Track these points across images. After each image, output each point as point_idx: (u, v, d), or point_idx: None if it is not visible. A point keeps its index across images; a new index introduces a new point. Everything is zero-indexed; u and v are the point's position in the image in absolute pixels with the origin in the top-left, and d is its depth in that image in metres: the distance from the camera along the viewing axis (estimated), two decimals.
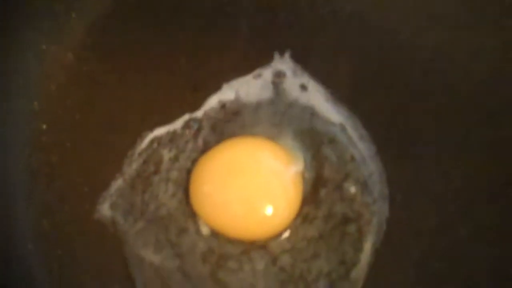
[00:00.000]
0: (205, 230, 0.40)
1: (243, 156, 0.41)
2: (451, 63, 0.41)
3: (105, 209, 0.41)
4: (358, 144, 0.42)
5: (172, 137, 0.43)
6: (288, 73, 0.43)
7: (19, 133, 0.43)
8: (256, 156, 0.41)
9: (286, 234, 0.40)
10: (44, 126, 0.43)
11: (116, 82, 0.43)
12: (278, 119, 0.42)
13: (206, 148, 0.42)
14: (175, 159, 0.42)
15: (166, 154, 0.42)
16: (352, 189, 0.41)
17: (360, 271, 0.39)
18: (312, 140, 0.42)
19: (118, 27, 0.44)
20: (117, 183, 0.42)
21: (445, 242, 0.39)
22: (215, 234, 0.40)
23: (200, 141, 0.42)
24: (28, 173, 0.42)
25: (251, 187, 0.40)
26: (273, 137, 0.42)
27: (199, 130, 0.43)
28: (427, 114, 0.41)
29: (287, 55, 0.43)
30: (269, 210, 0.39)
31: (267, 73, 0.43)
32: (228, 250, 0.40)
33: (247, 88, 0.43)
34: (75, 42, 0.44)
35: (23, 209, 0.41)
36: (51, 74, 0.44)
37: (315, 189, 0.41)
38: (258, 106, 0.43)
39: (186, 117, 0.43)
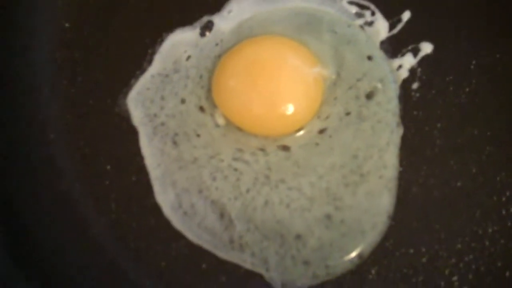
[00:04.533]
0: (221, 122, 0.41)
1: (268, 53, 0.42)
2: None
3: (126, 104, 0.42)
4: (376, 45, 0.42)
5: (192, 37, 0.43)
6: None
7: (43, 29, 0.44)
8: (280, 54, 0.42)
9: (302, 131, 0.41)
10: (67, 24, 0.44)
11: None
12: (298, 20, 0.43)
13: (224, 48, 0.43)
14: (194, 58, 0.43)
15: (185, 53, 0.43)
16: (367, 88, 0.41)
17: (371, 165, 0.40)
18: (331, 40, 0.42)
19: None
20: (138, 80, 0.43)
21: (460, 139, 0.40)
22: (232, 128, 0.41)
23: (219, 41, 0.43)
24: (52, 67, 0.44)
25: (273, 84, 0.41)
26: (296, 36, 0.42)
27: (219, 30, 0.43)
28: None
29: None
30: (289, 108, 0.40)
31: None
32: (244, 144, 0.41)
33: None
34: None
35: (47, 102, 0.43)
36: None
37: (331, 88, 0.41)
38: (281, 9, 0.43)
39: (205, 18, 0.43)
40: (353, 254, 0.39)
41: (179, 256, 0.40)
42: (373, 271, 0.39)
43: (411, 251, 0.39)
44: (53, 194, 0.40)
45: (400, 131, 0.41)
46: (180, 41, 0.44)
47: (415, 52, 0.42)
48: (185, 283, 0.39)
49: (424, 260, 0.39)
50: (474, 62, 0.42)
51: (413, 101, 0.41)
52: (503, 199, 0.39)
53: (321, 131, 0.41)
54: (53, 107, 0.43)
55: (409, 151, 0.41)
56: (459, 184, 0.40)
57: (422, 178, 0.40)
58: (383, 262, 0.39)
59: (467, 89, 0.41)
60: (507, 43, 0.42)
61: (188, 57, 0.43)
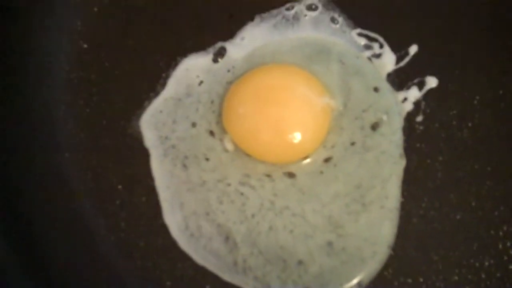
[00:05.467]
0: (229, 147, 0.43)
1: (277, 82, 0.43)
2: None
3: (139, 125, 0.44)
4: (383, 77, 0.43)
5: (205, 63, 0.45)
6: (320, 6, 0.45)
7: (61, 49, 0.45)
8: (289, 83, 0.43)
9: (308, 159, 0.42)
10: (85, 45, 0.46)
11: (154, 7, 0.46)
12: (309, 50, 0.44)
13: (236, 74, 0.44)
14: (207, 83, 0.44)
15: (198, 79, 0.45)
16: (373, 119, 0.43)
17: (374, 195, 0.41)
18: (340, 71, 0.44)
19: None
20: (151, 102, 0.44)
21: (461, 172, 0.42)
22: (240, 154, 0.43)
23: (231, 68, 0.44)
24: (68, 88, 0.45)
25: (282, 112, 0.42)
26: (305, 66, 0.44)
27: (231, 57, 0.45)
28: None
29: None
30: (296, 137, 0.42)
31: (299, 6, 0.45)
32: (251, 169, 0.42)
33: (279, 19, 0.45)
34: None
35: (63, 121, 0.44)
36: None
37: (338, 118, 0.43)
38: (292, 39, 0.45)
39: (218, 45, 0.45)
40: (353, 282, 0.40)
41: (184, 277, 0.41)
42: None
43: (409, 280, 0.40)
44: (65, 210, 0.42)
45: (403, 162, 0.42)
46: (193, 66, 0.45)
47: (421, 85, 0.43)
48: None
49: (407, 281, 0.40)
50: (477, 97, 0.43)
51: (416, 134, 0.43)
52: (500, 233, 0.40)
53: (327, 160, 0.42)
54: (68, 127, 0.44)
55: (411, 182, 0.42)
56: (458, 217, 0.41)
57: (422, 209, 0.41)
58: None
59: (470, 124, 0.43)
60: (510, 79, 0.43)
61: (201, 82, 0.44)
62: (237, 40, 0.45)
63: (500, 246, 0.40)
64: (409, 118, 0.43)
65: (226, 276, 0.41)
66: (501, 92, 0.43)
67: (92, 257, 0.41)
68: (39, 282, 0.39)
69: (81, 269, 0.41)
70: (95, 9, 0.46)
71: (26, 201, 0.41)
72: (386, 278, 0.40)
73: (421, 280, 0.40)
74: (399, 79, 0.44)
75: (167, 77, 0.45)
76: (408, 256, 0.40)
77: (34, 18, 0.45)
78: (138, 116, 0.44)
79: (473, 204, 0.41)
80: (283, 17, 0.46)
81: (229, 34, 0.45)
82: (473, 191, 0.41)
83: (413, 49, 0.44)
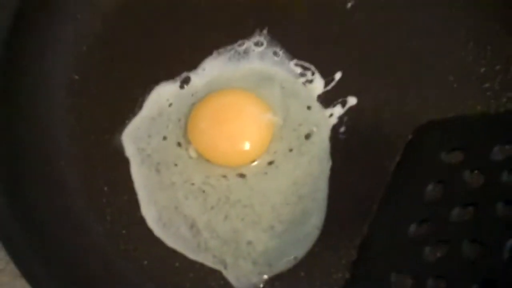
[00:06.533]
0: (193, 155, 0.54)
1: (230, 103, 0.53)
2: None
3: (120, 140, 0.54)
4: (314, 97, 0.55)
5: (173, 89, 0.56)
6: (265, 42, 0.57)
7: (56, 80, 0.56)
8: (240, 104, 0.53)
9: (255, 162, 0.54)
10: (76, 77, 0.57)
11: (132, 46, 0.57)
12: (256, 78, 0.56)
13: (198, 97, 0.56)
14: (175, 105, 0.56)
15: (168, 101, 0.56)
16: (306, 131, 0.55)
17: (307, 190, 0.53)
18: (280, 94, 0.55)
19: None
20: (130, 121, 0.55)
21: (374, 170, 0.53)
22: (202, 160, 0.54)
23: (194, 92, 0.56)
24: (63, 110, 0.56)
25: (234, 126, 0.53)
26: (253, 90, 0.55)
27: (194, 84, 0.56)
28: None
29: (265, 30, 0.57)
30: (246, 145, 0.53)
31: (248, 43, 0.57)
32: (211, 172, 0.54)
33: (232, 53, 0.57)
34: (104, 13, 0.58)
35: (58, 137, 0.55)
36: (83, 38, 0.57)
37: (279, 130, 0.54)
38: (243, 69, 0.57)
39: (184, 74, 0.57)
40: (291, 257, 0.51)
41: (158, 257, 0.51)
42: (304, 270, 0.51)
43: (332, 254, 0.51)
44: (60, 207, 0.51)
45: (329, 163, 0.53)
46: (164, 92, 0.56)
47: (343, 104, 0.55)
48: (162, 277, 0.51)
49: (343, 261, 0.51)
50: (386, 113, 0.54)
51: (340, 141, 0.53)
52: None
53: (270, 163, 0.53)
54: (62, 141, 0.54)
55: (336, 179, 0.53)
56: (375, 206, 0.52)
57: (345, 200, 0.52)
58: (312, 263, 0.51)
59: (382, 132, 0.54)
60: (414, 94, 0.55)
61: (170, 104, 0.56)
62: (199, 70, 0.56)
63: None
64: (334, 129, 0.53)
65: (191, 255, 0.51)
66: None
67: (83, 244, 0.51)
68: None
69: (74, 251, 0.51)
70: (84, 47, 0.57)
71: (30, 198, 0.51)
72: (315, 252, 0.51)
73: (342, 253, 0.51)
74: (327, 99, 0.55)
75: (143, 100, 0.55)
76: (333, 235, 0.51)
77: (32, 56, 0.55)
78: (120, 132, 0.54)
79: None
80: (236, 51, 0.57)
81: (193, 65, 0.56)
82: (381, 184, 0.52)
83: (338, 75, 0.56)
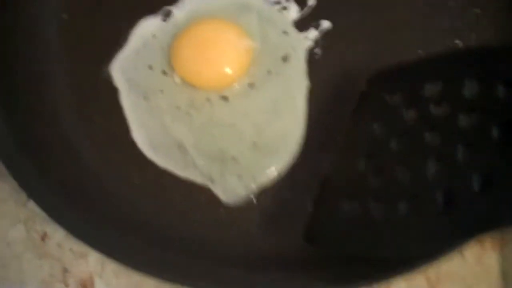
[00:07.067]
0: (178, 81, 0.58)
1: (211, 31, 0.57)
2: None
3: (109, 71, 0.58)
4: (290, 23, 0.59)
5: (156, 22, 0.60)
6: None
7: (48, 20, 0.60)
8: (219, 31, 0.57)
9: (237, 85, 0.58)
10: (66, 16, 0.60)
11: None
12: (234, 8, 0.59)
13: (179, 28, 0.59)
14: (158, 36, 0.59)
15: (151, 34, 0.59)
16: (283, 54, 0.58)
17: (286, 108, 0.57)
18: (258, 21, 0.59)
19: None
20: (118, 53, 0.59)
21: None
22: (186, 85, 0.58)
23: (176, 24, 0.60)
24: (55, 47, 0.59)
25: (214, 52, 0.56)
26: (232, 19, 0.58)
27: (176, 16, 0.60)
28: None
29: None
30: (227, 69, 0.57)
31: None
32: (195, 96, 0.58)
33: None
34: None
35: (50, 71, 0.59)
36: None
37: (257, 54, 0.58)
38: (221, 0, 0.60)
39: (166, 8, 0.60)
40: (272, 169, 0.55)
41: (149, 176, 0.54)
42: (287, 182, 0.54)
43: (313, 166, 0.55)
44: (55, 134, 0.55)
45: (306, 83, 0.57)
46: (148, 25, 0.59)
47: (318, 27, 0.59)
48: (153, 194, 0.55)
49: (322, 173, 0.54)
50: (359, 34, 0.58)
51: (316, 62, 0.57)
52: None
53: (250, 85, 0.57)
54: (56, 75, 0.58)
55: (312, 97, 0.56)
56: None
57: (321, 116, 0.56)
58: (294, 176, 0.54)
59: (356, 51, 0.58)
60: (385, 15, 0.58)
61: (153, 36, 0.59)
62: (179, 4, 0.59)
63: None
64: (310, 51, 0.57)
65: (181, 173, 0.55)
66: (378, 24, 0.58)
67: (77, 167, 0.55)
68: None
69: (69, 173, 0.55)
70: None
71: (25, 126, 0.55)
72: (296, 165, 0.55)
73: (321, 165, 0.54)
74: (302, 24, 0.58)
75: (128, 34, 0.59)
76: (312, 149, 0.55)
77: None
78: (108, 64, 0.58)
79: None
80: None
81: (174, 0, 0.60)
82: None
83: (311, 1, 0.59)
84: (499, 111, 0.37)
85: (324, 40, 0.58)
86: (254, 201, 0.53)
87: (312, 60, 0.57)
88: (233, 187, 0.54)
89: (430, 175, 0.40)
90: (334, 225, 0.46)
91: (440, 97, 0.42)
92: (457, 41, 0.56)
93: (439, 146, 0.40)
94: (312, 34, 0.57)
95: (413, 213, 0.39)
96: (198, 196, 0.54)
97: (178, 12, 0.59)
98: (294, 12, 0.58)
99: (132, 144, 0.55)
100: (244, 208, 0.53)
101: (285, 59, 0.57)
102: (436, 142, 0.41)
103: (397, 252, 0.42)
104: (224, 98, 0.56)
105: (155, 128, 0.56)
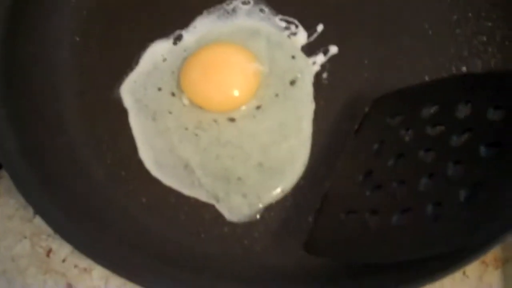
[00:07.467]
0: (186, 102, 0.59)
1: (220, 55, 0.58)
2: None
3: (119, 92, 0.59)
4: (298, 48, 0.60)
5: (167, 46, 0.61)
6: (251, 1, 0.61)
7: (60, 42, 0.61)
8: (228, 55, 0.58)
9: (244, 107, 0.58)
10: (78, 38, 0.62)
11: (127, 8, 0.61)
12: (244, 33, 0.61)
13: (189, 52, 0.60)
14: (169, 60, 0.60)
15: (162, 57, 0.60)
16: (291, 77, 0.59)
17: (292, 130, 0.57)
18: (266, 46, 0.60)
19: None
20: (128, 76, 0.60)
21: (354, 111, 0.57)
22: (194, 107, 0.59)
23: (186, 48, 0.61)
24: (67, 69, 0.60)
25: (223, 75, 0.57)
26: (241, 43, 0.59)
27: (186, 40, 0.61)
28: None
29: None
30: (235, 92, 0.57)
31: (235, 2, 0.62)
32: (203, 117, 0.58)
33: (222, 12, 0.62)
34: None
35: (62, 92, 0.60)
36: (83, 2, 0.62)
37: (266, 78, 0.59)
38: (231, 25, 0.61)
39: (177, 32, 0.62)
40: (278, 189, 0.55)
41: (155, 194, 0.55)
42: (291, 200, 0.55)
43: (317, 186, 0.55)
44: (65, 153, 0.56)
45: (313, 106, 0.57)
46: (159, 48, 0.60)
47: (325, 52, 0.59)
48: (159, 211, 0.55)
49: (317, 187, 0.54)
50: (366, 60, 0.59)
51: (322, 86, 0.58)
52: None
53: (258, 107, 0.57)
54: (67, 96, 0.59)
55: (319, 120, 0.57)
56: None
57: (327, 138, 0.56)
58: (298, 195, 0.55)
59: (362, 76, 0.58)
60: (392, 41, 0.59)
61: (164, 59, 0.60)
62: (190, 28, 0.61)
63: None
64: (317, 75, 0.58)
65: (187, 192, 0.55)
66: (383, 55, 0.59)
67: (88, 181, 0.56)
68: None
69: (78, 191, 0.55)
70: (84, 12, 0.61)
71: (37, 147, 0.56)
72: (301, 185, 0.55)
73: (325, 185, 0.55)
74: (310, 49, 0.59)
75: (139, 57, 0.60)
76: (316, 170, 0.55)
77: (37, 21, 0.60)
78: (119, 86, 0.59)
79: None
80: (224, 10, 0.61)
81: (185, 24, 0.60)
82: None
83: (320, 28, 0.60)
84: (488, 132, 0.40)
85: (331, 64, 0.57)
86: (258, 217, 0.53)
87: (319, 84, 0.57)
88: (238, 206, 0.54)
89: (422, 190, 0.42)
90: (333, 235, 0.48)
91: (435, 119, 0.46)
92: (463, 68, 0.56)
93: (432, 163, 0.43)
94: (320, 59, 0.58)
95: (405, 223, 0.42)
96: (203, 213, 0.55)
97: (188, 36, 0.60)
98: (302, 37, 0.59)
99: (139, 163, 0.56)
100: (248, 225, 0.53)
101: (292, 82, 0.57)
102: (430, 160, 0.43)
103: (391, 259, 0.44)
104: (231, 120, 0.57)
105: (162, 148, 0.56)
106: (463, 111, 0.43)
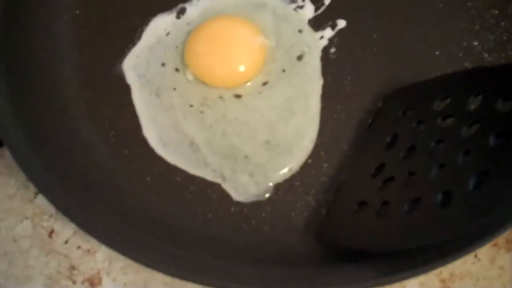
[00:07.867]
0: (190, 78, 0.57)
1: (225, 28, 0.56)
2: None
3: (121, 68, 0.57)
4: (305, 22, 0.58)
5: (170, 19, 0.59)
6: None
7: (60, 16, 0.59)
8: (234, 28, 0.56)
9: (250, 83, 0.57)
10: (78, 12, 0.60)
11: None
12: (249, 6, 0.59)
13: (193, 26, 0.58)
14: (172, 34, 0.59)
15: (165, 31, 0.58)
16: (298, 52, 0.57)
17: (300, 106, 0.56)
18: (273, 19, 0.58)
19: None
20: (130, 51, 0.58)
21: (363, 88, 0.56)
22: (199, 83, 0.57)
23: (190, 22, 0.59)
24: (67, 44, 0.59)
25: (229, 49, 0.56)
26: (246, 17, 0.58)
27: (190, 14, 0.59)
28: None
29: None
30: (240, 67, 0.56)
31: None
32: (208, 93, 0.57)
33: None
34: None
35: (62, 68, 0.58)
36: None
37: (272, 52, 0.57)
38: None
39: (180, 6, 0.60)
40: (286, 169, 0.54)
41: (160, 173, 0.54)
42: (299, 179, 0.53)
43: (325, 165, 0.54)
44: (67, 131, 0.55)
45: (321, 82, 0.56)
46: (162, 22, 0.58)
47: (333, 26, 0.58)
48: (164, 191, 0.54)
49: (335, 171, 0.53)
50: (375, 34, 0.57)
51: (330, 61, 0.56)
52: None
53: (264, 83, 0.56)
54: (68, 72, 0.57)
55: (327, 95, 0.55)
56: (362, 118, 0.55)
57: (336, 114, 0.55)
58: (307, 174, 0.54)
59: (371, 50, 0.57)
60: (401, 14, 0.57)
61: (167, 33, 0.58)
62: (194, 1, 0.59)
63: None
64: (325, 50, 0.56)
65: (192, 171, 0.54)
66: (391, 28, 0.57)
67: (90, 163, 0.55)
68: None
69: (81, 169, 0.54)
70: None
71: (38, 125, 0.55)
72: (309, 164, 0.54)
73: (334, 163, 0.53)
74: (317, 23, 0.57)
75: (142, 31, 0.58)
76: (325, 148, 0.54)
77: None
78: (121, 61, 0.58)
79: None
80: None
81: None
82: (374, 101, 0.55)
83: (327, 0, 0.58)
84: (497, 123, 0.41)
85: (339, 39, 0.56)
86: (265, 197, 0.52)
87: (327, 59, 0.56)
88: (245, 185, 0.53)
89: (433, 180, 0.43)
90: (346, 225, 0.49)
91: (447, 112, 0.47)
92: (475, 43, 0.54)
93: (442, 154, 0.44)
94: (328, 33, 0.56)
95: (416, 212, 0.43)
96: (210, 192, 0.54)
97: (192, 10, 0.58)
98: (309, 10, 0.58)
99: (143, 141, 0.55)
100: (255, 204, 0.52)
101: (299, 57, 0.56)
102: (441, 151, 0.45)
103: (403, 246, 0.44)
104: (237, 96, 0.55)
105: (166, 125, 0.55)
106: (473, 103, 0.44)
